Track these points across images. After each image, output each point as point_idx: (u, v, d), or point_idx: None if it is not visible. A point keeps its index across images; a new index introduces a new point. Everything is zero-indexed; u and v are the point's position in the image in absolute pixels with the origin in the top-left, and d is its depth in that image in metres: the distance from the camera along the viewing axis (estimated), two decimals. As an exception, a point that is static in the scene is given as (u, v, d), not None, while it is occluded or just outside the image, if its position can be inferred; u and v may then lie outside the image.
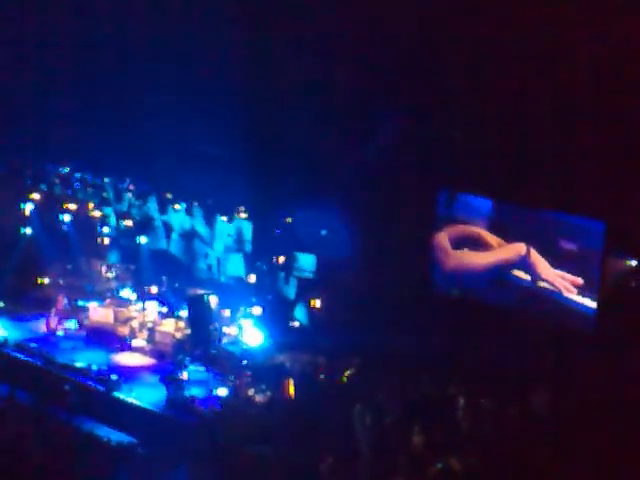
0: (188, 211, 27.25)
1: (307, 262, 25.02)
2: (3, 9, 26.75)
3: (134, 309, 25.49)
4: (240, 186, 24.67)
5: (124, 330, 24.97)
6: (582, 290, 20.41)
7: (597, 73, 19.26)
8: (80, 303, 26.18)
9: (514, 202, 21.48)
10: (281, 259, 25.36)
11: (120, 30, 25.75)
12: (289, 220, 25.20)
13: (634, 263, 20.10)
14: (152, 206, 28.10)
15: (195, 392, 21.37)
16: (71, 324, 25.47)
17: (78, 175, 29.28)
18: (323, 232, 24.34)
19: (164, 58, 25.24)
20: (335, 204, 23.96)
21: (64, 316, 25.70)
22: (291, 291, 25.34)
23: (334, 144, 23.21)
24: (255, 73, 23.66)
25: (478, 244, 22.02)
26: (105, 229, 28.78)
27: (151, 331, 24.66)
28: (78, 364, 22.89)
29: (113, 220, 28.93)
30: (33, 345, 24.27)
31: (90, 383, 22.12)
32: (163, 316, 25.03)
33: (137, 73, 25.57)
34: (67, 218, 28.84)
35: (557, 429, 17.62)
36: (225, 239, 26.76)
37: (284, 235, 25.35)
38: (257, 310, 24.59)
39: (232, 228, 26.60)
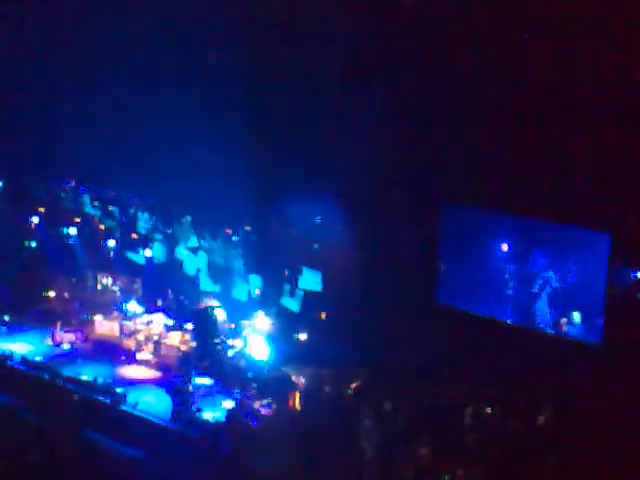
0: (194, 224, 27.30)
1: (313, 276, 25.09)
2: (6, 25, 26.83)
3: (140, 322, 25.50)
4: (245, 199, 24.71)
5: (130, 343, 25.03)
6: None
7: (600, 86, 19.28)
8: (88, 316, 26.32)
9: (519, 214, 21.52)
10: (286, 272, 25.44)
11: (122, 43, 25.81)
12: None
13: (640, 275, 20.12)
14: (157, 219, 28.16)
15: (201, 405, 21.34)
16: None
17: (84, 188, 29.38)
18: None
19: (170, 72, 25.30)
20: (338, 218, 24.04)
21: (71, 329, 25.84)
22: (296, 304, 25.37)
23: (337, 154, 23.27)
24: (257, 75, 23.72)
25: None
26: (111, 242, 28.81)
27: (157, 344, 24.67)
28: (84, 377, 22.89)
29: (119, 233, 28.98)
30: (39, 358, 24.29)
31: (96, 396, 22.10)
32: (169, 329, 25.03)
33: (142, 87, 25.61)
34: (73, 231, 28.94)
35: (563, 442, 17.59)
36: (230, 252, 26.81)
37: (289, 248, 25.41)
38: (263, 323, 24.63)
39: (237, 241, 26.68)
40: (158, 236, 28.20)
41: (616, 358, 19.37)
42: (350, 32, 22.53)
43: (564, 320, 20.99)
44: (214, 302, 25.63)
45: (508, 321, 22.02)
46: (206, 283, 27.39)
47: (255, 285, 26.22)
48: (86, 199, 29.38)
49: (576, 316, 20.78)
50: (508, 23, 20.10)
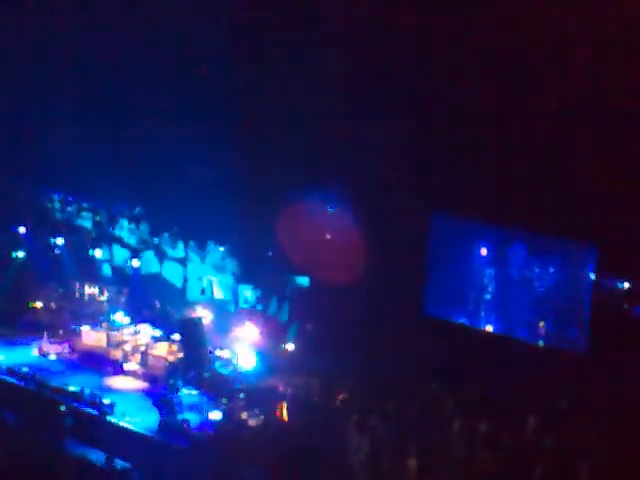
0: (181, 235, 27.26)
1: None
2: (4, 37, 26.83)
3: (127, 332, 25.45)
4: (233, 210, 24.71)
5: (117, 353, 24.95)
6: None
7: (594, 99, 19.41)
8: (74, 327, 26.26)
9: (507, 226, 21.58)
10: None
11: (118, 55, 25.82)
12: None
13: (626, 285, 20.16)
14: (145, 230, 28.13)
15: (188, 416, 21.27)
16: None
17: (72, 199, 29.32)
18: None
19: (163, 89, 25.31)
20: (331, 229, 24.08)
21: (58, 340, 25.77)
22: (284, 314, 25.35)
23: (331, 168, 23.34)
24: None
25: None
26: (98, 252, 28.75)
27: (144, 355, 24.61)
28: (71, 388, 22.78)
29: (105, 244, 28.92)
30: (25, 369, 24.17)
31: (83, 407, 22.01)
32: (156, 340, 24.98)
33: (135, 100, 25.64)
34: (60, 241, 28.87)
35: (553, 453, 17.60)
36: (218, 263, 26.79)
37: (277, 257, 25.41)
38: (250, 333, 24.62)
39: (225, 251, 26.67)
40: (145, 247, 28.14)
41: (601, 366, 19.41)
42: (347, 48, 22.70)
43: (547, 328, 21.09)
44: (201, 312, 25.59)
45: (490, 328, 22.10)
46: (193, 293, 27.35)
47: (243, 295, 26.19)
48: (74, 210, 29.32)
49: (561, 325, 20.87)
50: (508, 31, 20.24)
